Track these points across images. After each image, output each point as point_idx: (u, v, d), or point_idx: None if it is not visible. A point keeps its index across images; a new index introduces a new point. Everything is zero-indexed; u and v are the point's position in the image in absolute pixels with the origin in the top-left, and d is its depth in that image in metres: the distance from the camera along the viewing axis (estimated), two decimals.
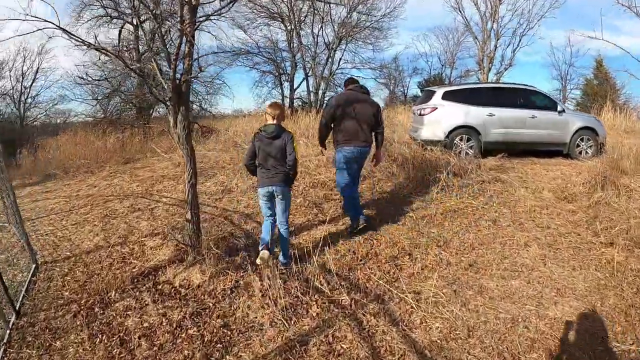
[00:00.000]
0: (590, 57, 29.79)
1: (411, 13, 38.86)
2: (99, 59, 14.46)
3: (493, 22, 14.40)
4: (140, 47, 17.66)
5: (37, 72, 19.17)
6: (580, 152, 9.05)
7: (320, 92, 18.68)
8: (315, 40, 18.37)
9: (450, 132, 8.59)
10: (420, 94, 15.09)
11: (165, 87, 3.70)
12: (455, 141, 8.58)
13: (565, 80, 29.20)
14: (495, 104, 8.77)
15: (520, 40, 15.18)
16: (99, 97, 15.83)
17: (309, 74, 18.63)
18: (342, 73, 19.97)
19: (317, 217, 5.42)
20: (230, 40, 22.01)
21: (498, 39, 15.05)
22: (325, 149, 5.29)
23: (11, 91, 18.50)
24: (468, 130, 8.66)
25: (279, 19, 18.22)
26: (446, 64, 27.26)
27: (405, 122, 14.00)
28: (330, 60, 18.41)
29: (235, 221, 5.39)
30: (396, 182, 6.68)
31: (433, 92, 9.13)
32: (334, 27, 18.09)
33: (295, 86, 19.23)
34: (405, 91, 30.35)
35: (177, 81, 3.70)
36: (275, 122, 3.82)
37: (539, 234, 4.95)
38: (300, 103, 19.81)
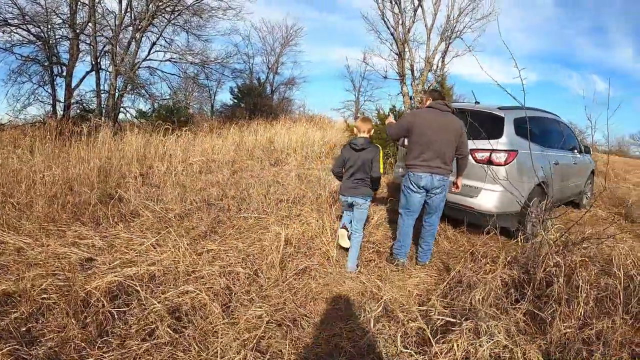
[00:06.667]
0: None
1: None
2: None
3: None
4: None
5: None
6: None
7: (116, 94, 11.55)
8: (122, 10, 11.10)
9: (529, 196, 4.75)
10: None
11: None
12: (529, 211, 4.79)
13: (359, 92, 30.24)
14: (551, 145, 5.37)
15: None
16: None
17: (101, 66, 11.28)
18: (148, 67, 13.29)
19: None
20: None
21: (452, 36, 10.43)
22: None
23: None
24: (542, 192, 4.92)
25: None
26: (273, 68, 23.32)
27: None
28: (134, 45, 11.53)
29: None
30: None
31: (499, 119, 4.85)
32: None
33: (74, 84, 11.46)
34: (212, 101, 24.74)
35: None
36: (367, 135, 3.78)
37: None
38: (78, 111, 11.98)
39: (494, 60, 34.75)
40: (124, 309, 2.61)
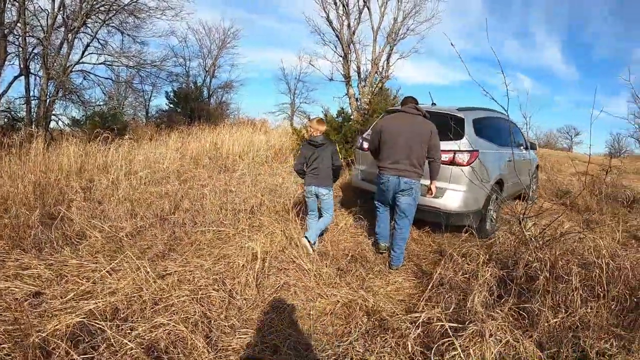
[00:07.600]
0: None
1: None
2: None
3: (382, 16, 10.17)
4: None
5: None
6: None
7: (47, 100, 10.48)
8: (55, 8, 10.00)
9: (489, 193, 4.93)
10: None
11: None
12: (489, 208, 5.04)
13: (294, 94, 30.29)
14: (504, 143, 5.54)
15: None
16: None
17: (30, 69, 10.10)
18: (81, 70, 12.23)
19: None
20: None
21: (397, 39, 10.76)
22: None
23: None
24: (500, 189, 5.26)
25: None
26: (210, 71, 22.56)
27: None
28: (67, 47, 10.49)
29: None
30: None
31: (459, 120, 4.85)
32: None
33: (2, 90, 10.20)
34: (147, 106, 23.41)
35: None
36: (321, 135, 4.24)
37: None
38: (6, 120, 10.66)
39: (431, 62, 36.62)
40: (91, 355, 2.25)
